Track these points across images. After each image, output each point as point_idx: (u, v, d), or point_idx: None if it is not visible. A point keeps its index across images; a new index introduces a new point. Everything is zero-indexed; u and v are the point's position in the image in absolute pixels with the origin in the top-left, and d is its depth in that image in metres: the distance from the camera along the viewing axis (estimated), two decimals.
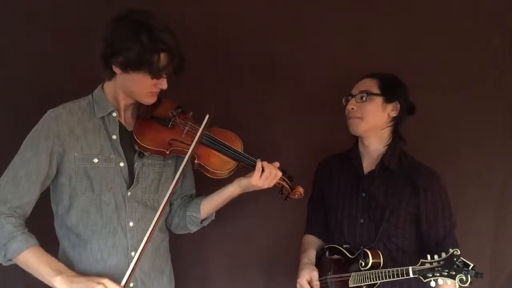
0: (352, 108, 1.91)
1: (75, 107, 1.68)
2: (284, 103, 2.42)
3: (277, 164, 1.77)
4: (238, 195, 1.80)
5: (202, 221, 1.85)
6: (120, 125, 1.71)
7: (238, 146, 1.78)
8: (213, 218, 1.90)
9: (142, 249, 1.55)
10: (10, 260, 1.54)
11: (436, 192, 1.87)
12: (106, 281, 1.48)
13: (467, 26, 2.33)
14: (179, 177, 1.65)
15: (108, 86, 1.69)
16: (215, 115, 1.75)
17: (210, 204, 1.82)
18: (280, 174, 1.76)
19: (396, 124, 1.94)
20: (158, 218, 1.59)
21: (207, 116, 1.75)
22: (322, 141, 2.34)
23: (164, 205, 1.61)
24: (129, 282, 1.55)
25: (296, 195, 1.83)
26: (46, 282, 1.52)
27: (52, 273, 1.50)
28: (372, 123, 1.91)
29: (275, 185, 1.78)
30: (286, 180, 1.81)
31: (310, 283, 1.85)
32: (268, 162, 1.76)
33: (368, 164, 1.96)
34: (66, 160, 1.62)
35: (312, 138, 2.40)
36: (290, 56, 2.38)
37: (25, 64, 2.26)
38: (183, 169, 1.66)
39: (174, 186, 1.64)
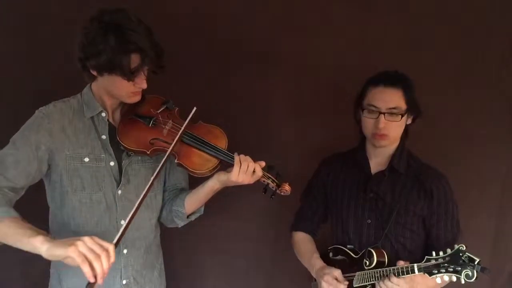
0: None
1: (66, 107, 1.67)
2: (285, 103, 2.42)
3: (263, 163, 1.69)
4: (220, 189, 1.74)
5: (188, 216, 1.82)
6: (110, 124, 1.70)
7: (221, 142, 1.71)
8: (202, 213, 1.85)
9: (129, 221, 1.43)
10: None
11: (445, 195, 1.86)
12: (93, 238, 1.33)
13: (467, 26, 2.33)
14: (154, 178, 1.56)
15: (94, 86, 1.69)
16: (201, 112, 1.71)
17: (193, 199, 1.78)
18: (260, 171, 1.67)
19: (407, 127, 1.92)
20: (134, 212, 1.46)
21: (192, 111, 1.68)
22: (323, 141, 2.34)
23: (141, 201, 1.48)
24: (120, 242, 1.42)
25: (282, 193, 1.74)
26: (26, 246, 1.37)
27: (32, 233, 1.37)
28: (397, 137, 1.90)
29: (260, 182, 1.72)
30: (272, 177, 1.72)
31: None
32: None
33: (376, 164, 1.94)
34: (57, 158, 1.62)
35: (313, 138, 2.40)
36: (291, 56, 2.38)
37: (25, 64, 2.25)
38: (158, 170, 1.58)
39: (148, 187, 1.52)
